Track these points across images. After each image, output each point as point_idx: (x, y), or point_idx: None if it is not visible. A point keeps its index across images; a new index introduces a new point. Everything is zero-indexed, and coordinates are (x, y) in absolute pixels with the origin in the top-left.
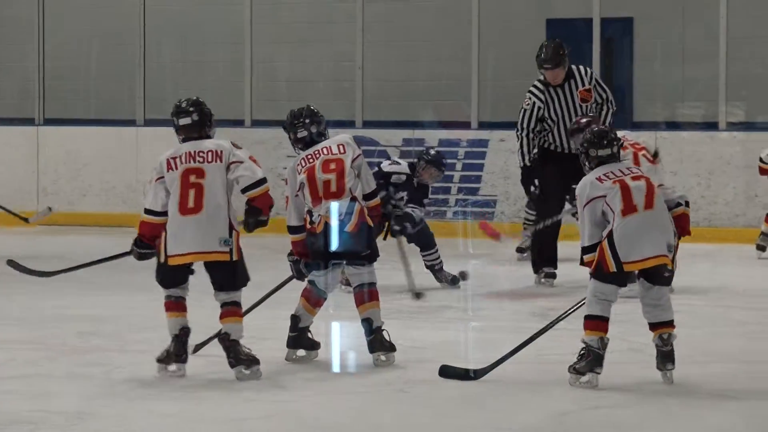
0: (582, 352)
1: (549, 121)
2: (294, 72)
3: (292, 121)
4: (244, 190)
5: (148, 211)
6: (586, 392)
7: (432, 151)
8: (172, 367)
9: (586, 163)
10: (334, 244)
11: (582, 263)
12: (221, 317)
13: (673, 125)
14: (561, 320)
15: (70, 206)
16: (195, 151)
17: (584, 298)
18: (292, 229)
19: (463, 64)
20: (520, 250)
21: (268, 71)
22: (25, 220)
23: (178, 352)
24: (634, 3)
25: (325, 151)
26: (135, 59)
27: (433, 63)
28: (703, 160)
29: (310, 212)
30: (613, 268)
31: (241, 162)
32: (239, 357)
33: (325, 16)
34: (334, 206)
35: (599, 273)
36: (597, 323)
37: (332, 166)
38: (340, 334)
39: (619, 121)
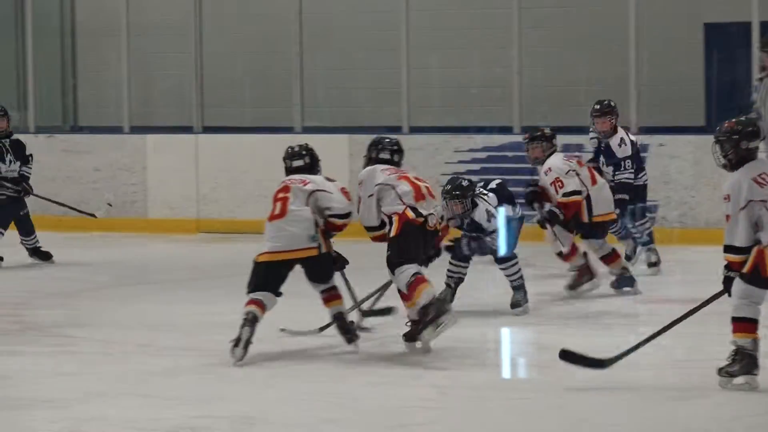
0: (734, 355)
1: None
2: (449, 78)
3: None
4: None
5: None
6: (748, 395)
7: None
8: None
9: (730, 157)
10: None
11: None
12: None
13: None
14: (696, 312)
15: (230, 214)
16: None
17: (719, 292)
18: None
19: (620, 69)
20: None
21: (423, 77)
22: (93, 215)
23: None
24: None
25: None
26: (292, 66)
27: (590, 68)
28: None
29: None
30: None
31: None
32: (354, 333)
33: (480, 21)
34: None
35: (755, 277)
36: (748, 325)
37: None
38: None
39: None
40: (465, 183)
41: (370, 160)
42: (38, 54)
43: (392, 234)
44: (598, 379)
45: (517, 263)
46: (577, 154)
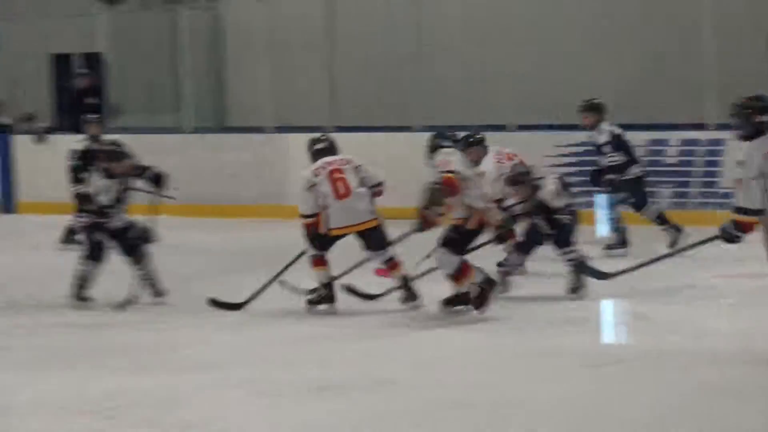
0: None
1: None
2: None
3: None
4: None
5: None
6: None
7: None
8: (323, 307)
9: (744, 129)
10: None
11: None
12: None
13: None
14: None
15: None
16: None
17: (713, 237)
18: None
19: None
20: None
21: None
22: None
23: (328, 295)
24: None
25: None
26: (412, 71)
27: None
28: None
29: None
30: None
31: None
32: (413, 294)
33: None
34: None
35: None
36: None
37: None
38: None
39: None
40: (523, 170)
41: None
42: (192, 64)
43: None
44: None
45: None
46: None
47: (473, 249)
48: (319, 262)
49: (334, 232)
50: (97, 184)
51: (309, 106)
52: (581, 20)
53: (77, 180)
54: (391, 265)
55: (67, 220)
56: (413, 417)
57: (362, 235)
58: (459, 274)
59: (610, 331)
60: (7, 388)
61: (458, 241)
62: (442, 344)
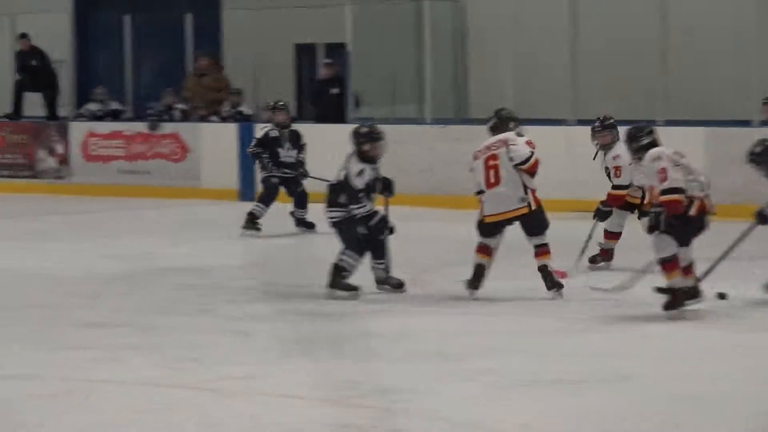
0: None
1: None
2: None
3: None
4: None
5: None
6: None
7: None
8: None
9: None
10: None
11: None
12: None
13: None
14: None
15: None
16: None
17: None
18: None
19: None
20: None
21: None
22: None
23: (476, 281)
24: None
25: None
26: (656, 63)
27: None
28: None
29: None
30: None
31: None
32: (553, 282)
33: None
34: None
35: None
36: None
37: None
38: None
39: None
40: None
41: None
42: (434, 55)
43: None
44: None
45: None
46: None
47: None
48: (482, 249)
49: (488, 220)
50: (353, 168)
51: (550, 99)
52: None
53: (264, 167)
54: (541, 251)
55: (251, 205)
56: (655, 411)
57: (519, 221)
58: (671, 263)
59: None
60: (247, 375)
61: (680, 228)
62: (673, 338)
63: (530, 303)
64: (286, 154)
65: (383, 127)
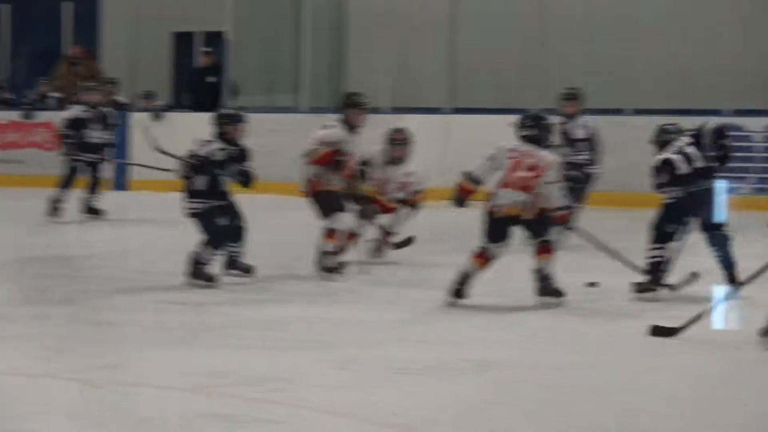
0: None
1: None
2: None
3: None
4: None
5: None
6: None
7: None
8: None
9: None
10: None
11: None
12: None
13: None
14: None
15: None
16: None
17: None
18: None
19: None
20: None
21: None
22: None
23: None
24: None
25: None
26: (534, 53)
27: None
28: None
29: None
30: None
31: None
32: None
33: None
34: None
35: None
36: None
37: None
38: None
39: None
40: None
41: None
42: (313, 44)
43: None
44: None
45: None
46: None
47: None
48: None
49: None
50: (211, 147)
51: (428, 88)
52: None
53: (67, 150)
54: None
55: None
56: (519, 398)
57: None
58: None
59: None
60: (112, 365)
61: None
62: (537, 327)
63: (399, 291)
64: (98, 135)
65: (260, 116)
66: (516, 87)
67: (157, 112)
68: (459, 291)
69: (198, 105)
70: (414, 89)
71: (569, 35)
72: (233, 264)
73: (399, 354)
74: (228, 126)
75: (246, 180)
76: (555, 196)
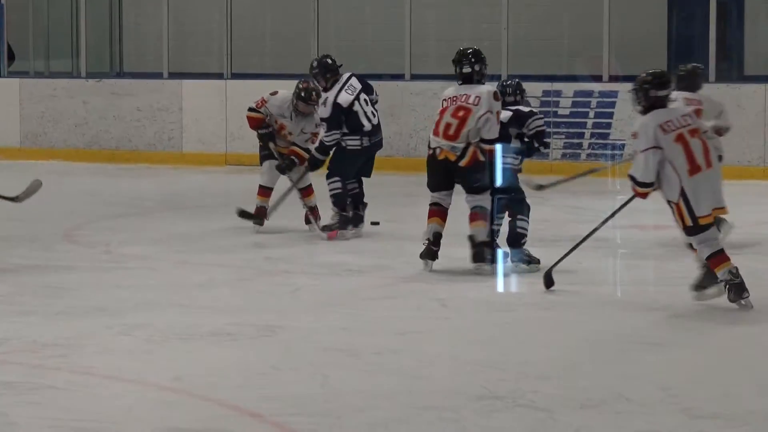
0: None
1: None
2: (444, 33)
3: (460, 57)
4: None
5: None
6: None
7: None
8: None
9: (642, 103)
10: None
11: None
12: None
13: None
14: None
15: (254, 149)
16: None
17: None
18: None
19: (595, 25)
20: None
21: (422, 32)
22: (14, 199)
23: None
24: None
25: (463, 99)
26: (309, 21)
27: (569, 24)
28: None
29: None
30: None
31: None
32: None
33: None
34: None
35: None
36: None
37: (460, 113)
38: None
39: (731, 75)
40: None
41: None
42: (89, 9)
43: None
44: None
45: None
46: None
47: None
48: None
49: None
50: None
51: (205, 53)
52: None
53: None
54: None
55: None
56: (305, 362)
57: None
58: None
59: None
60: None
61: None
62: (326, 292)
63: (187, 255)
64: None
65: (38, 82)
66: (292, 54)
67: None
68: (433, 252)
69: None
70: (191, 55)
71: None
72: None
73: (184, 320)
74: None
75: None
76: (487, 129)
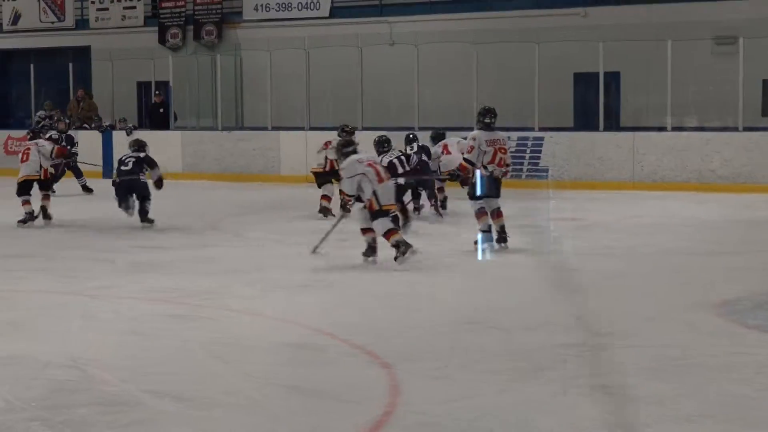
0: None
1: None
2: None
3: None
4: None
5: None
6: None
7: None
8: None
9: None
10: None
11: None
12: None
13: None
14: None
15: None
16: None
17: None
18: None
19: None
20: None
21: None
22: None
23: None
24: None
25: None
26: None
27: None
28: None
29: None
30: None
31: None
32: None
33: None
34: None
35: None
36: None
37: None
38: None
39: (612, 126)
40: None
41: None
42: (223, 87)
43: None
44: None
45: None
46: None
47: None
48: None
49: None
50: None
51: (293, 112)
52: None
53: None
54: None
55: None
56: (356, 308)
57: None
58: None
59: None
60: (109, 286)
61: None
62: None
63: (283, 236)
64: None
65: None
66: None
67: (129, 129)
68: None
69: (153, 125)
70: (286, 114)
71: None
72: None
73: (284, 276)
74: None
75: None
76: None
